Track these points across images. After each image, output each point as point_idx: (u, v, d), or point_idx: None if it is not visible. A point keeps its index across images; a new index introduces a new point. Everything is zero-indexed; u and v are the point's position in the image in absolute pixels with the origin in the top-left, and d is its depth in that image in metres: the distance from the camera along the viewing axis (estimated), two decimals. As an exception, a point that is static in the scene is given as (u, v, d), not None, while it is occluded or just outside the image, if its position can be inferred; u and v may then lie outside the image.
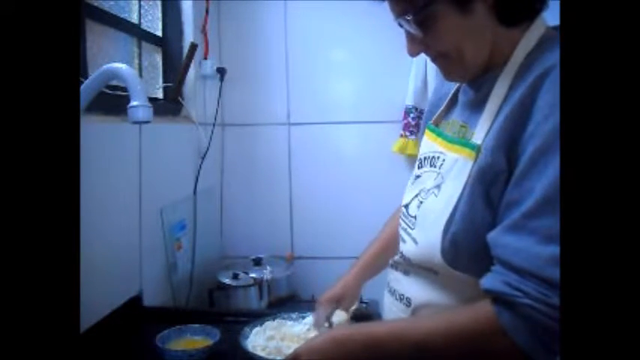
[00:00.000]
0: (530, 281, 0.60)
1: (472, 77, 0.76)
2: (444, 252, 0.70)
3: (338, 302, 1.01)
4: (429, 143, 0.83)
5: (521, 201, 0.63)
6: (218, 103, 1.92)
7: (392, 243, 0.99)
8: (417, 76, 1.87)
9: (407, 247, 0.79)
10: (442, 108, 0.86)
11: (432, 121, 0.86)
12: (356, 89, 1.99)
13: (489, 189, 0.67)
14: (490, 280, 0.65)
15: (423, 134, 0.89)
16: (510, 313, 0.62)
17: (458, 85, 0.84)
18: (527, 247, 0.61)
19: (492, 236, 0.66)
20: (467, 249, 0.68)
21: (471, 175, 0.68)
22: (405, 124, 1.88)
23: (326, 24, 1.98)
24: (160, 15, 1.71)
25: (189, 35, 1.74)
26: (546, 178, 0.60)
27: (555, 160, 0.60)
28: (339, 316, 1.00)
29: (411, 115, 1.86)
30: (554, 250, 0.58)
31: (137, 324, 1.21)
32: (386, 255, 1.00)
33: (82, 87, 0.90)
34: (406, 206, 0.82)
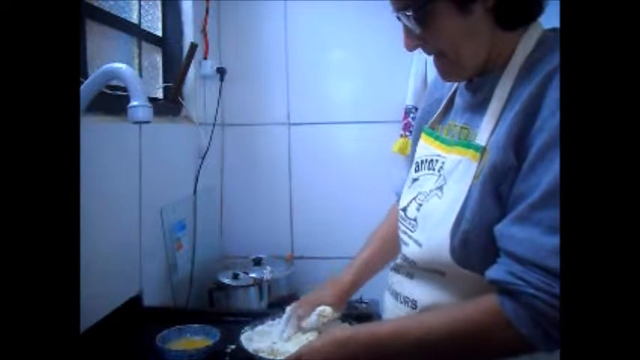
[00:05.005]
0: (534, 271, 0.61)
1: (469, 78, 0.77)
2: (453, 251, 0.70)
3: (323, 304, 0.96)
4: (426, 146, 0.83)
5: (527, 194, 0.64)
6: (218, 103, 1.92)
7: (382, 250, 1.00)
8: (416, 76, 1.86)
9: (410, 250, 0.79)
10: (438, 112, 0.86)
11: (428, 125, 0.87)
12: (356, 89, 1.99)
13: (500, 185, 0.67)
14: (494, 271, 0.66)
15: (417, 138, 0.89)
16: (513, 302, 0.63)
17: (453, 89, 0.85)
18: (532, 237, 0.62)
19: (499, 228, 0.66)
20: (478, 246, 0.69)
21: (481, 174, 0.68)
22: (405, 124, 1.87)
23: (326, 24, 1.98)
24: (159, 15, 1.71)
25: (189, 35, 1.74)
26: (552, 172, 0.61)
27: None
28: (325, 312, 0.94)
29: (411, 115, 1.86)
30: (558, 240, 0.59)
31: (137, 324, 1.21)
32: (379, 259, 1.01)
33: (82, 87, 0.89)
34: (404, 209, 0.82)
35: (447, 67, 0.75)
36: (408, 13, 0.69)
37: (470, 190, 0.69)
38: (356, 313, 1.17)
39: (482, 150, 0.69)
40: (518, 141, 0.66)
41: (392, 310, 0.84)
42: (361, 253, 1.04)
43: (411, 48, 0.74)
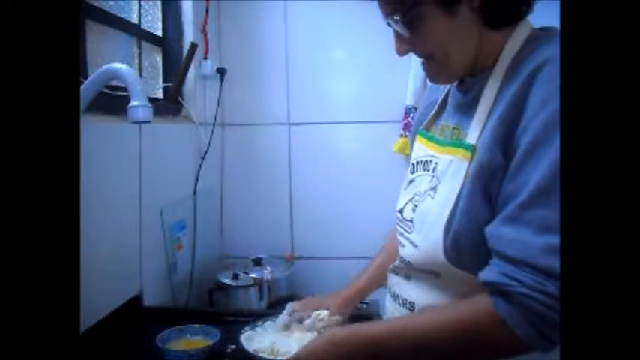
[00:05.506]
0: (526, 271, 0.61)
1: (458, 79, 0.78)
2: (446, 251, 0.70)
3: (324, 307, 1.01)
4: (422, 148, 0.84)
5: (516, 194, 0.64)
6: (218, 103, 1.92)
7: (394, 256, 1.01)
8: (417, 76, 1.86)
9: (407, 251, 0.79)
10: (432, 113, 0.87)
11: (422, 127, 0.87)
12: (356, 89, 1.99)
13: (488, 185, 0.68)
14: (487, 272, 0.66)
15: (413, 140, 0.90)
16: (507, 302, 0.63)
17: (446, 91, 0.85)
18: (522, 237, 0.62)
19: (489, 229, 0.67)
20: (469, 246, 0.69)
21: (470, 174, 0.69)
22: (405, 124, 1.88)
23: (326, 24, 1.98)
24: (159, 15, 1.71)
25: (189, 35, 1.74)
26: (540, 170, 0.62)
27: (548, 152, 0.61)
28: (321, 315, 0.99)
29: (411, 115, 1.86)
30: (549, 239, 0.59)
31: (137, 324, 1.21)
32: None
33: (82, 87, 0.90)
34: (401, 211, 0.83)
35: (436, 69, 0.76)
36: (396, 18, 0.70)
37: (461, 190, 0.70)
38: (356, 313, 1.17)
39: (472, 149, 0.70)
40: (505, 141, 0.66)
41: (392, 311, 0.84)
42: (376, 258, 1.05)
43: (402, 53, 0.75)
